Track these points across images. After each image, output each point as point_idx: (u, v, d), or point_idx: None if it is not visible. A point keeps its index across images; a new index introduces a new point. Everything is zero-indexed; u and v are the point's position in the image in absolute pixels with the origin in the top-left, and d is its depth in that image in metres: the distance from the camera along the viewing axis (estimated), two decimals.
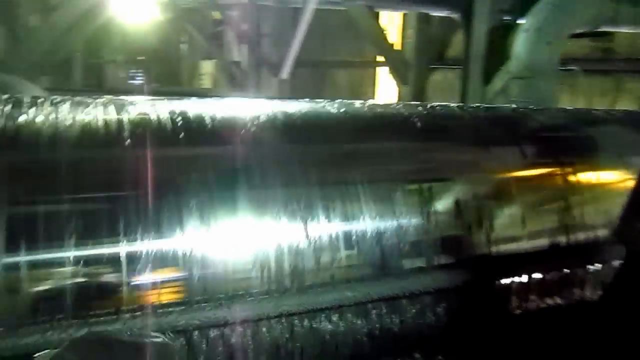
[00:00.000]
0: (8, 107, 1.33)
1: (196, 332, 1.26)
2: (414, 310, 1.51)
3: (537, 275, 1.73)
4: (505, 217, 1.74)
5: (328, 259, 1.41)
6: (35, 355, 1.01)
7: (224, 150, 1.46)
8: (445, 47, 6.80)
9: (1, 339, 1.07)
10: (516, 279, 1.70)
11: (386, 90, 10.21)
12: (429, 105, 1.94)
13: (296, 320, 1.37)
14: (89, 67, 12.57)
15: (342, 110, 1.73)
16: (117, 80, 12.98)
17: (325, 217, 1.41)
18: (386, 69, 8.13)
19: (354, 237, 1.44)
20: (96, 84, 12.54)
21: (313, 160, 1.53)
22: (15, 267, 1.13)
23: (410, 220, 1.53)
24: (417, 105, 1.94)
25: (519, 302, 1.70)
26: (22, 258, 1.13)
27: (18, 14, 7.36)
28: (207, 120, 1.46)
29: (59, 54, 7.13)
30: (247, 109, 1.60)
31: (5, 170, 1.21)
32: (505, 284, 1.69)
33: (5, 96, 1.43)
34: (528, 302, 1.71)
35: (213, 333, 1.28)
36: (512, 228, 1.73)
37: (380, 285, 1.47)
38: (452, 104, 2.09)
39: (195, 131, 1.42)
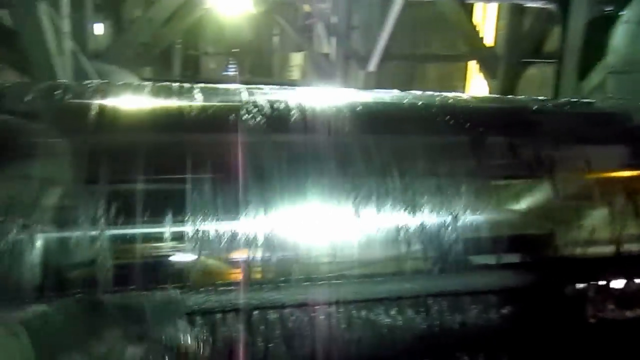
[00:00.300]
0: (105, 93, 1.46)
1: (256, 312, 1.30)
2: (477, 309, 1.46)
3: (618, 283, 1.62)
4: (590, 219, 1.64)
5: (393, 250, 1.41)
6: None
7: (302, 138, 1.50)
8: (541, 41, 6.46)
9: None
10: (594, 285, 1.60)
11: (477, 84, 9.88)
12: (515, 99, 1.87)
13: (354, 311, 1.37)
14: (187, 58, 13.22)
15: (420, 101, 1.71)
16: (212, 72, 13.52)
17: (395, 208, 1.41)
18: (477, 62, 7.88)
19: (420, 229, 1.42)
20: (193, 74, 13.15)
21: (387, 151, 1.52)
22: (106, 239, 1.22)
23: (482, 216, 1.49)
24: (504, 100, 1.88)
25: (595, 310, 1.60)
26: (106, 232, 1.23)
27: (124, 7, 7.88)
28: (295, 108, 1.51)
29: (158, 45, 7.54)
30: (332, 98, 1.63)
31: (107, 150, 1.32)
32: (581, 288, 1.60)
33: (104, 81, 1.56)
34: (606, 311, 1.61)
35: (272, 315, 1.32)
36: (596, 231, 1.63)
37: (443, 280, 1.44)
38: (539, 98, 2.00)
39: (284, 119, 1.48)
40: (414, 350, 1.45)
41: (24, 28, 2.96)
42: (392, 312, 1.40)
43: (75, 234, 1.22)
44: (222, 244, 1.28)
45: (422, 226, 1.42)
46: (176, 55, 11.83)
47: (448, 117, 1.68)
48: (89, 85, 1.54)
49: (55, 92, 1.44)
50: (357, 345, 1.37)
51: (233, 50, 14.47)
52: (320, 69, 9.53)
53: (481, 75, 7.53)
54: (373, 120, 1.58)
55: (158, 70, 11.39)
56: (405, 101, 1.74)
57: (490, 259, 1.50)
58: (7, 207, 1.20)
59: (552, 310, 1.56)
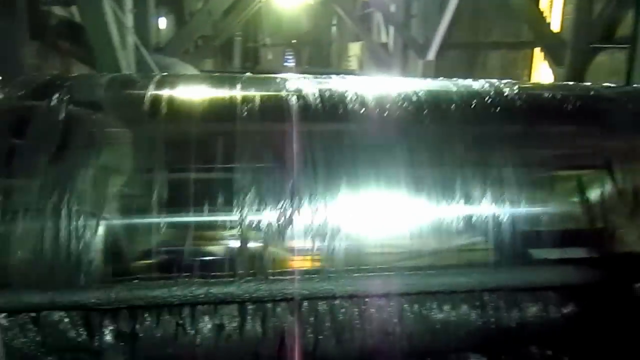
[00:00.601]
0: (165, 84, 1.50)
1: (305, 303, 1.30)
2: (536, 306, 1.40)
3: None
4: None
5: (457, 242, 1.37)
6: None
7: (357, 126, 1.48)
8: (612, 26, 6.11)
9: (135, 289, 1.20)
10: None
11: (542, 72, 9.50)
12: (583, 87, 1.78)
13: (406, 305, 1.35)
14: (246, 50, 13.43)
15: (490, 89, 1.65)
16: (271, 63, 13.67)
17: (451, 198, 1.37)
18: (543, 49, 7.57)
19: (479, 221, 1.38)
20: (252, 66, 13.36)
21: (453, 140, 1.48)
22: (167, 226, 1.25)
23: (543, 208, 1.42)
24: (572, 87, 1.79)
25: None
26: (164, 219, 1.26)
27: (185, 0, 8.07)
28: (354, 97, 1.50)
29: (218, 38, 7.69)
30: (390, 85, 1.61)
31: (167, 139, 1.35)
32: None
33: (164, 73, 1.60)
34: None
35: (321, 305, 1.31)
36: None
37: (500, 274, 1.39)
38: (609, 85, 1.89)
39: (339, 107, 1.47)
40: (467, 346, 1.41)
41: (89, 23, 3.08)
42: (446, 306, 1.36)
43: (138, 221, 1.26)
44: (278, 233, 1.28)
45: (480, 217, 1.38)
46: (236, 48, 12.04)
47: (508, 104, 1.61)
48: (150, 77, 1.59)
49: (117, 84, 1.49)
50: (408, 339, 1.35)
51: (291, 41, 14.57)
52: (378, 59, 9.44)
53: (547, 63, 7.22)
54: (430, 108, 1.54)
55: (218, 63, 11.65)
56: (462, 88, 1.68)
57: (552, 254, 1.43)
58: (72, 195, 1.24)
59: (618, 310, 1.48)
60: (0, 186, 1.24)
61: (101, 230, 1.24)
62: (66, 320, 1.19)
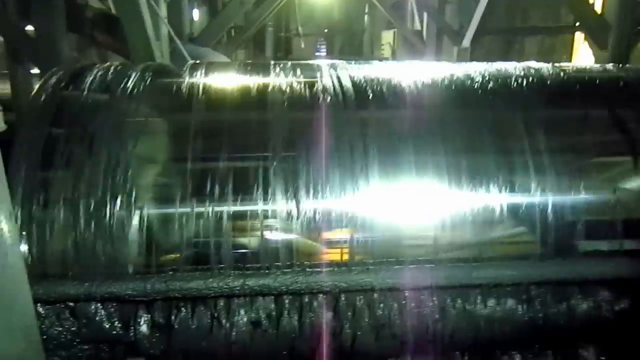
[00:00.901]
0: (198, 72, 1.49)
1: (343, 296, 1.26)
2: (586, 300, 1.33)
3: None
4: None
5: (492, 232, 1.32)
6: None
7: (396, 113, 1.43)
8: None
9: (170, 281, 1.18)
10: None
11: (583, 57, 9.18)
12: (627, 69, 1.68)
13: (448, 300, 1.29)
14: (279, 40, 13.41)
15: (527, 73, 1.57)
16: (303, 52, 13.62)
17: (496, 187, 1.31)
18: (583, 34, 7.30)
19: (525, 211, 1.31)
20: (284, 56, 13.33)
21: (490, 126, 1.41)
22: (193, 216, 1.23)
23: (596, 197, 1.35)
24: (615, 70, 1.69)
25: None
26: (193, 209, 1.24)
27: None
28: (383, 84, 1.45)
29: (251, 28, 7.67)
30: (428, 71, 1.55)
31: (200, 129, 1.33)
32: None
33: (197, 62, 1.59)
34: None
35: (360, 299, 1.27)
36: None
37: (549, 266, 1.32)
38: None
39: (379, 93, 1.43)
40: (512, 341, 1.35)
41: (124, 14, 3.09)
42: (490, 299, 1.30)
43: (174, 212, 1.24)
44: (316, 224, 1.25)
45: (526, 207, 1.31)
46: (268, 37, 12.03)
47: (555, 89, 1.53)
48: (184, 66, 1.57)
49: (150, 73, 1.47)
50: (450, 332, 1.30)
51: (323, 30, 14.48)
52: (412, 47, 9.28)
53: (588, 47, 6.97)
54: (470, 94, 1.47)
55: (251, 53, 11.67)
56: (502, 73, 1.60)
57: (604, 245, 1.36)
58: (108, 185, 1.23)
59: None
60: (37, 177, 1.24)
61: (137, 220, 1.23)
62: (102, 311, 1.18)
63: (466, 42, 7.65)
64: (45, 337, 1.15)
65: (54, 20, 4.30)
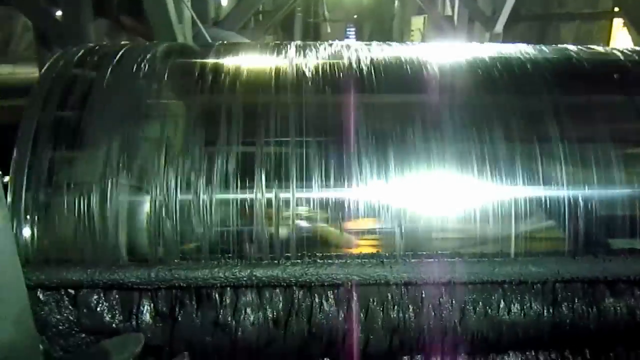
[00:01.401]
0: (222, 53, 1.42)
1: (357, 289, 1.20)
2: (616, 302, 1.24)
3: None
4: None
5: (516, 226, 1.23)
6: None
7: (423, 98, 1.35)
8: None
9: (175, 269, 1.13)
10: None
11: (622, 44, 8.86)
12: None
13: (468, 296, 1.21)
14: (307, 25, 13.30)
15: (573, 55, 1.47)
16: (331, 38, 13.51)
17: (524, 178, 1.22)
18: (622, 19, 7.02)
19: (550, 204, 1.22)
20: (313, 41, 13.24)
21: (518, 112, 1.32)
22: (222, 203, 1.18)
23: (629, 190, 1.25)
24: None
25: None
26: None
27: None
28: (409, 66, 1.37)
29: (278, 12, 7.61)
30: (459, 53, 1.47)
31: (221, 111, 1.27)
32: None
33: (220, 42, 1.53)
34: None
35: (375, 293, 1.20)
36: None
37: (576, 264, 1.23)
38: None
39: (408, 78, 1.35)
40: (534, 341, 1.26)
41: None
42: (512, 296, 1.22)
43: (184, 198, 1.18)
44: (336, 212, 1.18)
45: (556, 200, 1.22)
46: (296, 23, 11.94)
47: (588, 73, 1.43)
48: (207, 46, 1.51)
49: (170, 52, 1.42)
50: (469, 333, 1.22)
51: (353, 16, 14.31)
52: (442, 32, 9.09)
53: (627, 33, 6.69)
54: (502, 78, 1.38)
55: (279, 38, 11.60)
56: (536, 56, 1.50)
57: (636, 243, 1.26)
58: (118, 169, 1.19)
59: None
60: (44, 159, 1.20)
61: (146, 207, 1.18)
62: (103, 299, 1.14)
63: (499, 28, 7.45)
64: (44, 323, 1.11)
65: (80, 4, 4.31)
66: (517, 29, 8.88)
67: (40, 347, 1.03)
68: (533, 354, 1.27)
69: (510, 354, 1.28)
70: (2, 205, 0.85)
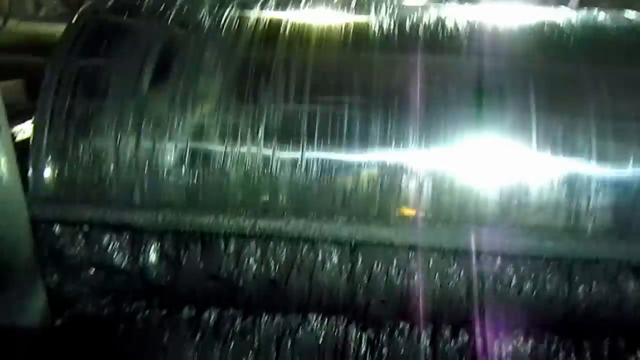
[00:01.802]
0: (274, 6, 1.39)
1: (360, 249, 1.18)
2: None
3: None
4: None
5: (545, 199, 1.18)
6: None
7: (476, 62, 1.27)
8: None
9: (182, 214, 1.16)
10: None
11: None
12: None
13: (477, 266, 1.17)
14: None
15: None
16: None
17: (561, 152, 1.17)
18: None
19: (586, 181, 1.16)
20: None
21: (577, 81, 1.23)
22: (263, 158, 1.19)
23: None
24: None
25: None
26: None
27: None
28: (467, 28, 1.31)
29: None
30: (515, 16, 1.39)
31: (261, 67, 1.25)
32: None
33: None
34: None
35: (378, 255, 1.18)
36: None
37: (599, 244, 1.16)
38: None
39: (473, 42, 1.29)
40: (546, 324, 1.21)
41: None
42: (525, 272, 1.17)
43: (201, 147, 1.20)
44: (337, 170, 1.17)
45: (583, 176, 1.15)
46: None
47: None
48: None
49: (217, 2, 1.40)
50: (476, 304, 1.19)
51: None
52: None
53: None
54: (562, 44, 1.29)
55: None
56: (599, 21, 1.40)
57: None
58: (156, 122, 1.21)
59: None
60: (68, 102, 1.24)
61: (166, 155, 1.20)
62: (115, 239, 1.18)
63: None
64: (59, 257, 1.17)
65: None
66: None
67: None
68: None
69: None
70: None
